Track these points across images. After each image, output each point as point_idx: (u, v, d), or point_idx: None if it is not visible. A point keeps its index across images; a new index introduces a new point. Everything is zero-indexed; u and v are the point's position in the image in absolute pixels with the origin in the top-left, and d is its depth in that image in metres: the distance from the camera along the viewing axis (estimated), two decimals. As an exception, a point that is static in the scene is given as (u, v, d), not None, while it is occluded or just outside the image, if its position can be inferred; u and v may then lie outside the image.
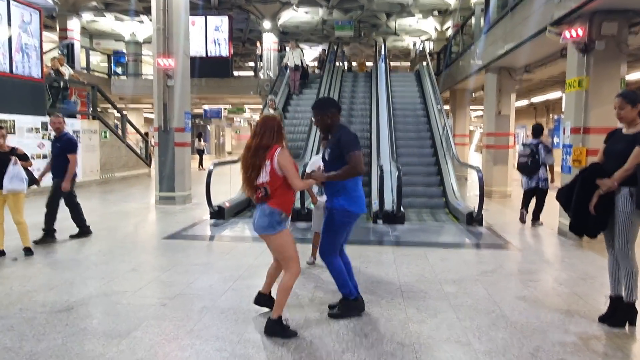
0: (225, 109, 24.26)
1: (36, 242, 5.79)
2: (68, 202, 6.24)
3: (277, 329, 3.23)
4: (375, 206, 7.81)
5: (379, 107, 11.42)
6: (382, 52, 15.61)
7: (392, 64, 22.91)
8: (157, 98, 9.30)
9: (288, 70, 14.62)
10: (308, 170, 4.96)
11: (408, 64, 28.42)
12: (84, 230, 6.39)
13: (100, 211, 8.83)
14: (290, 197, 3.26)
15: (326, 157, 3.58)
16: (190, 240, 6.29)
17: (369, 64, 21.01)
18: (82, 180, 12.76)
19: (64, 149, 6.00)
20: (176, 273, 4.70)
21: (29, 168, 5.32)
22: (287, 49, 15.18)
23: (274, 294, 3.49)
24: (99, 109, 14.61)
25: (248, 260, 5.28)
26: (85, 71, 18.61)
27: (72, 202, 6.28)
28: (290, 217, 3.34)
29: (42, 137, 11.44)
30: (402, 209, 7.58)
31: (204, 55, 18.85)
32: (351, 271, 3.74)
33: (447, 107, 17.91)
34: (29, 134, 11.01)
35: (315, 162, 4.96)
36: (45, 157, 11.55)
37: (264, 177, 3.14)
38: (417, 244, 6.24)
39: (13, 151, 5.19)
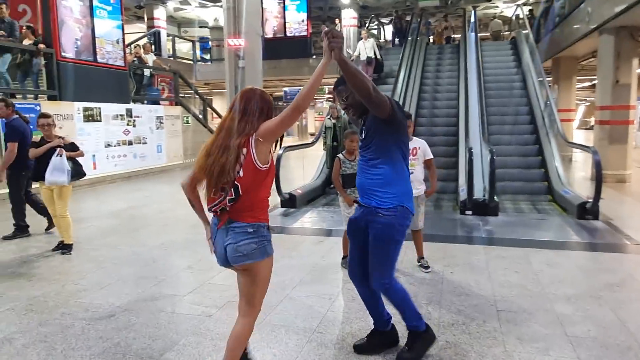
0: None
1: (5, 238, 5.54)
2: (11, 195, 5.66)
3: None
4: (462, 194, 6.80)
5: (468, 82, 10.14)
6: (472, 21, 14.05)
7: (482, 34, 20.83)
8: (229, 80, 9.01)
9: (360, 66, 12.45)
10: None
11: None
12: (19, 230, 5.69)
13: (177, 197, 8.71)
14: (266, 200, 2.29)
15: (363, 135, 2.68)
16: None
17: (456, 36, 19.22)
18: (166, 165, 13.13)
19: (5, 135, 5.63)
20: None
21: (79, 159, 5.12)
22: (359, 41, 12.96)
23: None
24: (186, 95, 14.93)
25: (314, 259, 4.67)
26: (171, 58, 19.17)
27: (15, 197, 5.64)
28: None
29: (127, 124, 11.77)
30: (495, 197, 6.50)
31: (283, 35, 18.49)
32: (379, 299, 2.77)
33: (549, 78, 15.81)
34: (114, 121, 11.34)
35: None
36: (130, 143, 11.94)
37: (239, 172, 2.15)
38: (516, 243, 5.19)
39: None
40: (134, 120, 11.97)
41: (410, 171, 3.95)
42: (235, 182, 2.15)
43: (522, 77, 11.50)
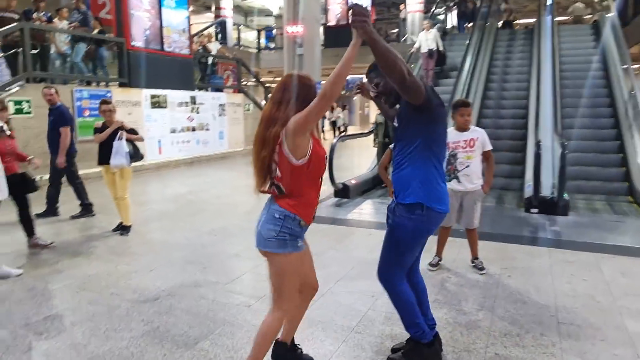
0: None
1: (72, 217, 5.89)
2: (68, 178, 5.99)
3: None
4: (528, 190, 6.30)
5: (541, 70, 9.37)
6: (549, 4, 12.97)
7: (561, 18, 19.24)
8: (287, 68, 8.97)
9: (421, 59, 11.30)
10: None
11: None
12: (86, 210, 6.03)
13: (235, 184, 8.87)
14: (312, 196, 2.15)
15: (396, 124, 2.47)
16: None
17: (530, 20, 17.89)
18: (227, 152, 13.46)
19: (55, 121, 5.78)
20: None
21: (137, 143, 5.28)
22: (420, 32, 11.89)
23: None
24: (249, 84, 15.19)
25: (360, 253, 4.51)
26: (236, 47, 19.57)
27: (73, 179, 6.01)
28: (306, 227, 2.18)
29: (191, 111, 12.15)
30: (565, 195, 5.96)
31: (346, 22, 18.20)
32: (426, 300, 2.61)
33: (635, 66, 14.33)
34: (179, 108, 11.75)
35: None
36: (193, 129, 12.34)
37: (275, 170, 2.10)
38: (586, 246, 4.69)
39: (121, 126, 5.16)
40: (198, 108, 12.34)
41: (466, 164, 3.69)
42: (276, 181, 2.10)
43: (603, 65, 10.47)
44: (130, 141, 5.13)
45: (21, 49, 8.39)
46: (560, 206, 5.89)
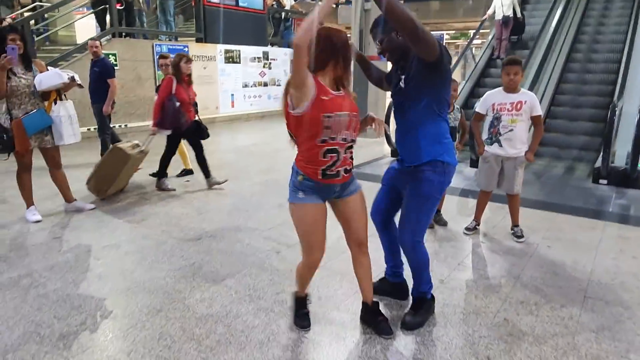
0: (448, 34, 22.17)
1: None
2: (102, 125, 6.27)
3: (294, 307, 2.58)
4: (599, 160, 5.81)
5: (638, 33, 8.28)
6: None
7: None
8: (354, 23, 8.79)
9: (495, 27, 9.94)
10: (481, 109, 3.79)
11: None
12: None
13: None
14: (314, 154, 2.14)
15: (402, 85, 2.37)
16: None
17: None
18: (277, 110, 13.69)
19: (101, 73, 6.03)
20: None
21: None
22: None
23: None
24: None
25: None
26: (313, 2, 19.34)
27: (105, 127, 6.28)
28: (318, 184, 2.20)
29: (263, 67, 12.44)
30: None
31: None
32: (397, 249, 2.72)
33: None
34: (251, 63, 12.09)
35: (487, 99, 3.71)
36: (265, 84, 12.67)
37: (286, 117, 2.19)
38: (651, 224, 4.33)
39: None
40: (270, 63, 12.60)
41: (510, 128, 3.54)
42: (287, 129, 2.23)
43: None
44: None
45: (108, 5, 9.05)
46: (633, 179, 5.40)
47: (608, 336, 2.49)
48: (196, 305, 2.74)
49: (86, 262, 3.35)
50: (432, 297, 2.66)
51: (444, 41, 21.58)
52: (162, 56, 5.64)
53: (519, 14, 9.79)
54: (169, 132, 5.12)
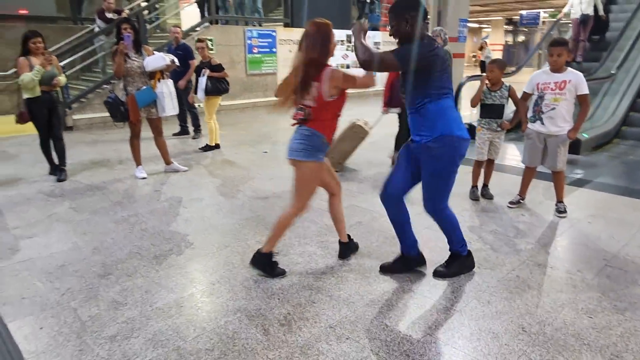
0: (545, 12, 20.69)
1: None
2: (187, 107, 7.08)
3: (264, 264, 2.94)
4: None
5: None
6: None
7: None
8: (433, 5, 8.89)
9: (571, 27, 9.02)
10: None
11: None
12: (196, 132, 7.39)
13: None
14: (335, 124, 2.82)
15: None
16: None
17: None
18: (380, 89, 13.99)
19: (185, 55, 6.63)
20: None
21: (226, 78, 6.25)
22: None
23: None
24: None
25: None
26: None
27: (190, 106, 7.08)
28: (328, 145, 2.81)
29: (346, 49, 12.90)
30: None
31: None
32: (408, 222, 2.92)
33: None
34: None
35: None
36: (348, 67, 13.13)
37: (308, 101, 2.72)
38: None
39: (209, 63, 6.17)
40: (350, 46, 13.01)
41: (552, 106, 3.72)
42: (307, 109, 2.73)
43: None
44: (212, 77, 6.06)
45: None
46: None
47: (612, 297, 2.71)
48: (255, 245, 3.40)
49: (177, 209, 4.19)
50: (469, 254, 2.97)
51: (541, 19, 20.21)
52: (199, 40, 6.39)
53: (601, 12, 8.79)
54: (398, 110, 5.33)
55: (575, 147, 6.16)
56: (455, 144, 2.64)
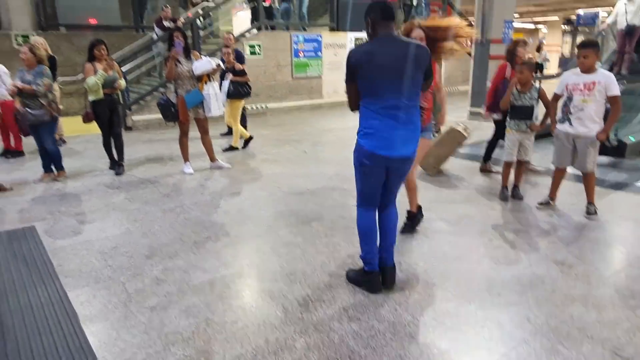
0: (605, 11, 19.59)
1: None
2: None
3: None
4: None
5: None
6: None
7: None
8: (477, 7, 8.87)
9: (616, 39, 8.36)
10: None
11: None
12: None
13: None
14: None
15: None
16: (459, 159, 6.19)
17: None
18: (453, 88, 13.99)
19: (236, 60, 6.77)
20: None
21: (248, 82, 6.56)
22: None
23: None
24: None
25: (479, 182, 4.91)
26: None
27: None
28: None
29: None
30: None
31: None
32: (389, 233, 2.82)
33: None
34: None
35: None
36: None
37: None
38: None
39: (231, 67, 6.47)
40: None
41: (580, 107, 3.75)
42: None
43: None
44: (235, 81, 6.37)
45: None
46: None
47: (626, 294, 2.74)
48: (285, 236, 3.68)
49: (218, 202, 4.55)
50: (368, 272, 2.83)
51: (600, 18, 19.19)
52: (226, 46, 6.74)
53: None
54: (499, 116, 5.12)
55: (620, 150, 5.99)
56: (359, 150, 2.63)
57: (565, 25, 28.30)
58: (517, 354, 2.23)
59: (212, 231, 3.80)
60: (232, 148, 6.83)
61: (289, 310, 2.63)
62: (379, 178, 2.67)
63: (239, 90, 6.46)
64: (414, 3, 13.40)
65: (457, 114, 10.29)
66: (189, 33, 9.41)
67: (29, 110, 4.98)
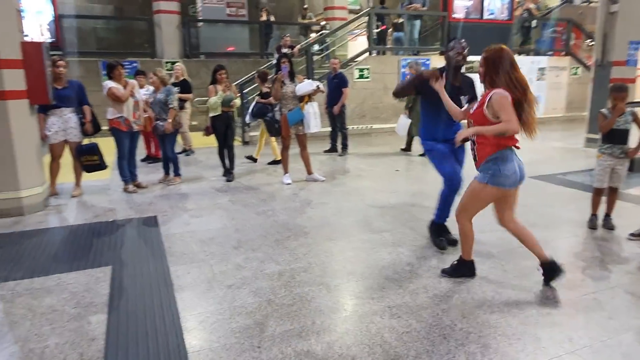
0: None
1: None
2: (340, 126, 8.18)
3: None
4: None
5: None
6: None
7: None
8: (598, 27, 8.32)
9: None
10: None
11: None
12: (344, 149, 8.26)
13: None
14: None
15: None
16: (558, 185, 5.94)
17: None
18: (542, 117, 13.19)
19: (339, 83, 7.20)
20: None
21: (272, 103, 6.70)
22: None
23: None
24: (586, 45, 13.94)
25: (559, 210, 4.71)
26: (584, 4, 17.70)
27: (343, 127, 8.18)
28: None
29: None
30: None
31: None
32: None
33: None
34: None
35: None
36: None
37: None
38: None
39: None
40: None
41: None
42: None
43: None
44: (259, 103, 6.89)
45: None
46: None
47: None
48: (355, 241, 4.03)
49: (305, 208, 5.07)
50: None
51: None
52: (257, 74, 7.36)
53: None
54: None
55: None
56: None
57: None
58: (545, 366, 2.29)
59: (293, 232, 4.30)
60: (276, 162, 7.32)
61: (339, 302, 2.98)
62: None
63: (262, 111, 6.84)
64: (534, 25, 12.89)
65: (571, 141, 9.67)
66: (303, 59, 10.38)
67: (159, 122, 6.07)
